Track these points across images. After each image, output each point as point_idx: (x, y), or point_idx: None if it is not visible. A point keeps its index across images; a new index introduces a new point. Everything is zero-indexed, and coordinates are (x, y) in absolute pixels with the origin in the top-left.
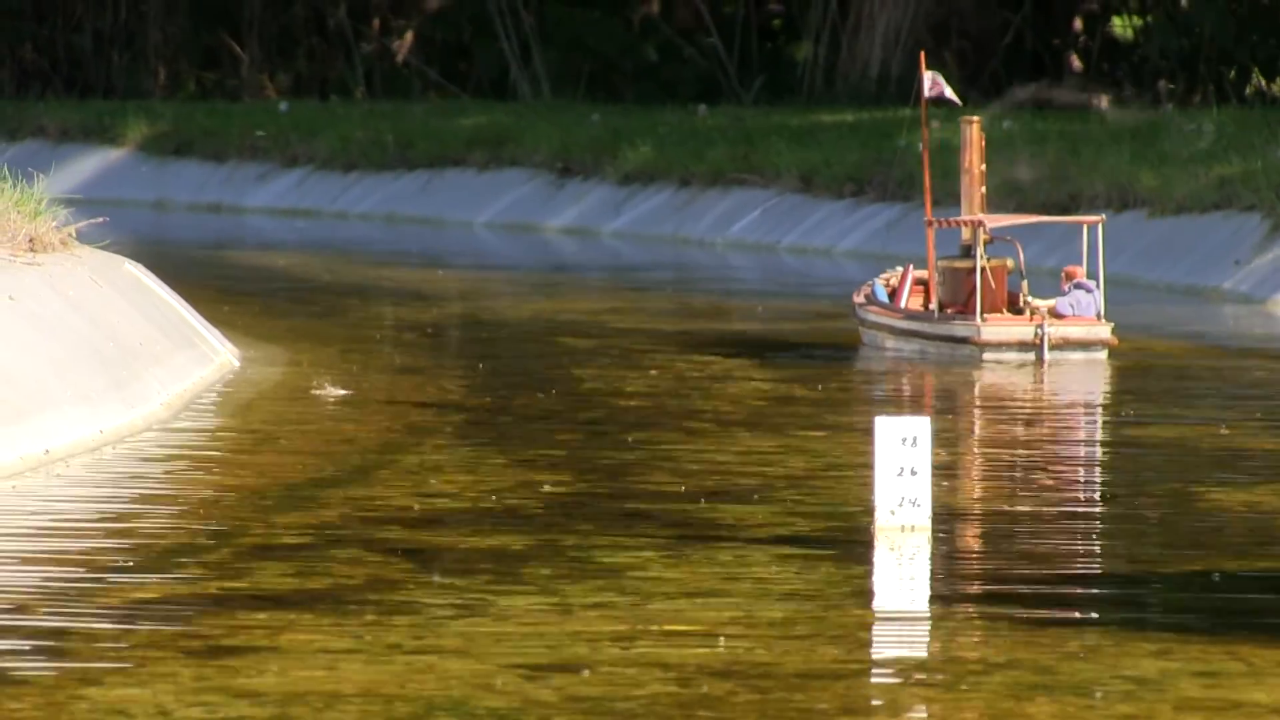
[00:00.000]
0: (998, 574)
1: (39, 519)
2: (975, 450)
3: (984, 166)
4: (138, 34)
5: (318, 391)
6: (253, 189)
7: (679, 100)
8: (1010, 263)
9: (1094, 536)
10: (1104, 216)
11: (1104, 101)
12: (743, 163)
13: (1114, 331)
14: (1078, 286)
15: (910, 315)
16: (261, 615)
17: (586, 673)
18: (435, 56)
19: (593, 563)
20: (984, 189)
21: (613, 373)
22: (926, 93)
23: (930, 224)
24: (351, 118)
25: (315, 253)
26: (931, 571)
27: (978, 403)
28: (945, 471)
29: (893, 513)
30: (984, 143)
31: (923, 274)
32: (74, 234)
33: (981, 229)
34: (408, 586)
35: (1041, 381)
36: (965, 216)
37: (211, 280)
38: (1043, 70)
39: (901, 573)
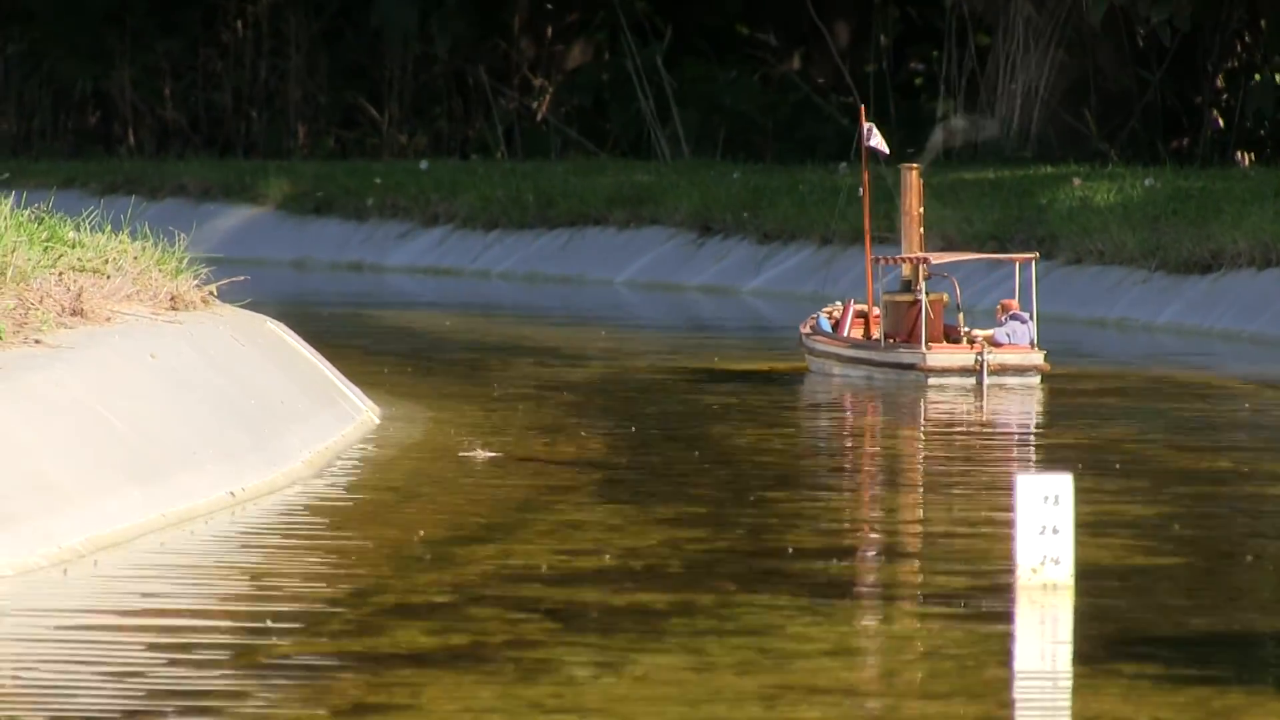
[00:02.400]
0: (1140, 631)
1: (181, 576)
2: (1113, 505)
3: (922, 209)
4: (277, 93)
5: (466, 454)
6: (394, 248)
7: (818, 158)
8: (946, 297)
9: (1237, 591)
10: (1037, 255)
11: (1246, 160)
12: (883, 221)
13: (1046, 359)
14: (1013, 318)
15: (856, 344)
16: (403, 673)
17: None
18: (574, 115)
19: (734, 621)
20: (922, 229)
21: (753, 430)
22: (865, 141)
23: (877, 261)
24: (492, 176)
25: (456, 311)
26: (1074, 629)
27: (1116, 464)
28: (1086, 529)
29: (1034, 570)
30: (922, 187)
31: (863, 307)
32: (215, 292)
33: (922, 265)
34: (548, 645)
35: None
36: (906, 254)
37: (352, 339)
38: (1181, 128)
39: (1043, 631)
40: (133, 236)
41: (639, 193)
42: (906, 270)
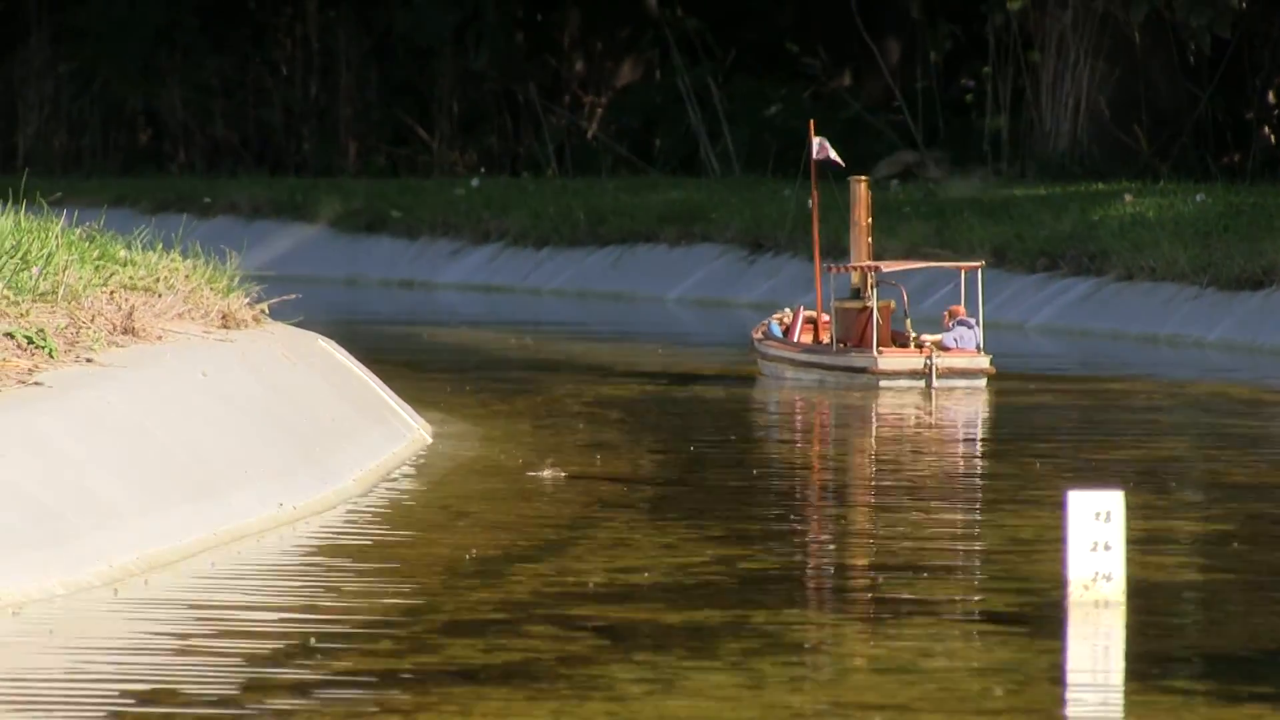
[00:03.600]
0: (1193, 648)
1: (232, 594)
2: (1165, 521)
3: (870, 220)
4: (328, 110)
5: (535, 473)
6: (445, 265)
7: (868, 175)
8: (893, 304)
9: None
10: (983, 262)
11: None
12: (935, 237)
13: (991, 363)
14: (960, 323)
15: (809, 349)
16: (454, 690)
17: None
18: (624, 132)
19: (786, 638)
20: (870, 239)
21: (805, 447)
22: (814, 156)
23: (829, 270)
24: (543, 193)
25: (508, 328)
26: (1125, 646)
27: (1168, 480)
28: (1138, 545)
29: (1086, 588)
30: (870, 199)
31: (812, 313)
32: (266, 310)
33: (871, 273)
34: (600, 662)
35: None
36: (855, 263)
37: (404, 356)
38: (1232, 144)
39: (1095, 647)
40: (184, 255)
41: (690, 210)
42: (855, 278)
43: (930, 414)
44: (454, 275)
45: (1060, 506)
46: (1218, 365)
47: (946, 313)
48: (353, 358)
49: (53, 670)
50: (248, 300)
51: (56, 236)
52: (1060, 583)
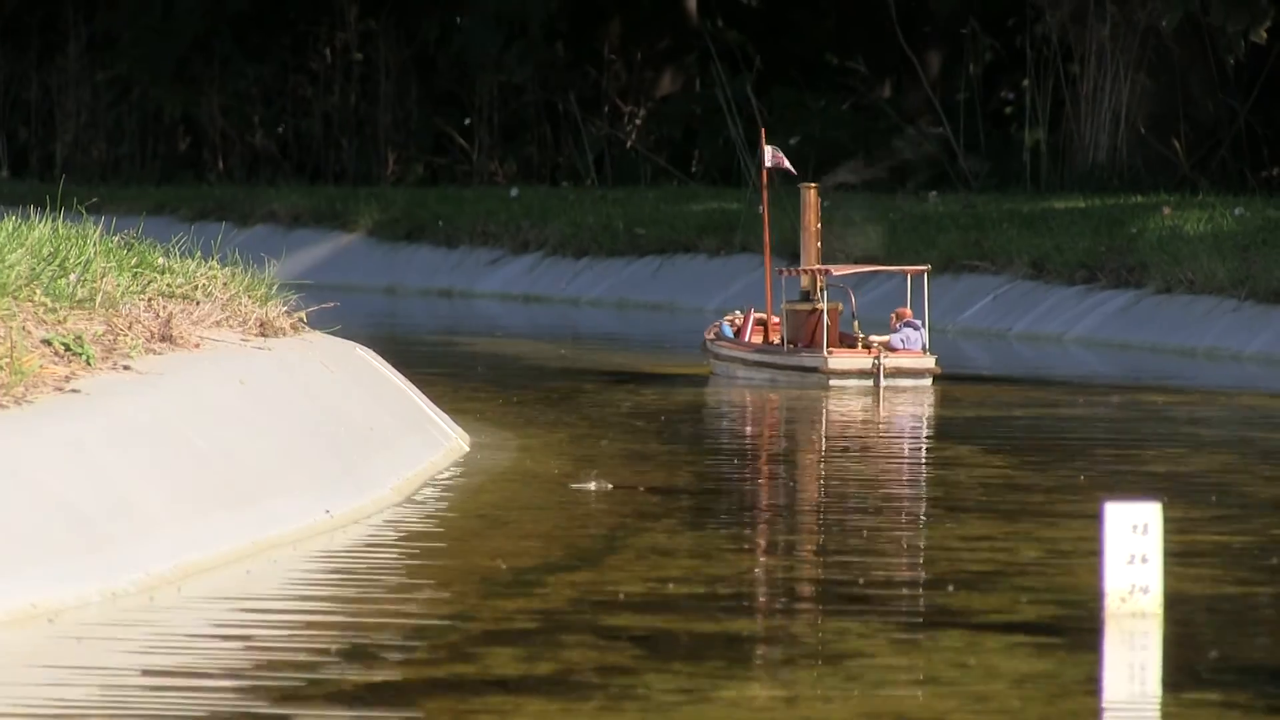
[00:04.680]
0: (1230, 661)
1: (269, 601)
2: (1203, 534)
3: (819, 225)
4: (367, 119)
5: (579, 485)
6: (484, 274)
7: (909, 187)
8: (840, 306)
9: None
10: (928, 266)
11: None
12: (974, 249)
13: (937, 363)
14: (907, 325)
15: (760, 349)
16: (491, 700)
17: None
18: (664, 142)
19: (822, 648)
20: (819, 243)
21: (843, 459)
22: (767, 163)
23: (780, 273)
24: (582, 203)
25: (546, 338)
26: (1163, 658)
27: (1206, 493)
28: (1176, 558)
29: (1123, 600)
30: (819, 204)
31: (763, 315)
32: (304, 319)
33: (821, 276)
34: (636, 672)
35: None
36: (805, 266)
37: (442, 365)
38: (1270, 157)
39: (1132, 659)
40: (222, 263)
41: (729, 220)
42: (805, 281)
43: (961, 427)
44: (493, 284)
45: (1097, 518)
46: (1256, 378)
47: (894, 315)
48: (390, 366)
49: (87, 679)
50: (286, 308)
51: (94, 244)
52: (1097, 595)
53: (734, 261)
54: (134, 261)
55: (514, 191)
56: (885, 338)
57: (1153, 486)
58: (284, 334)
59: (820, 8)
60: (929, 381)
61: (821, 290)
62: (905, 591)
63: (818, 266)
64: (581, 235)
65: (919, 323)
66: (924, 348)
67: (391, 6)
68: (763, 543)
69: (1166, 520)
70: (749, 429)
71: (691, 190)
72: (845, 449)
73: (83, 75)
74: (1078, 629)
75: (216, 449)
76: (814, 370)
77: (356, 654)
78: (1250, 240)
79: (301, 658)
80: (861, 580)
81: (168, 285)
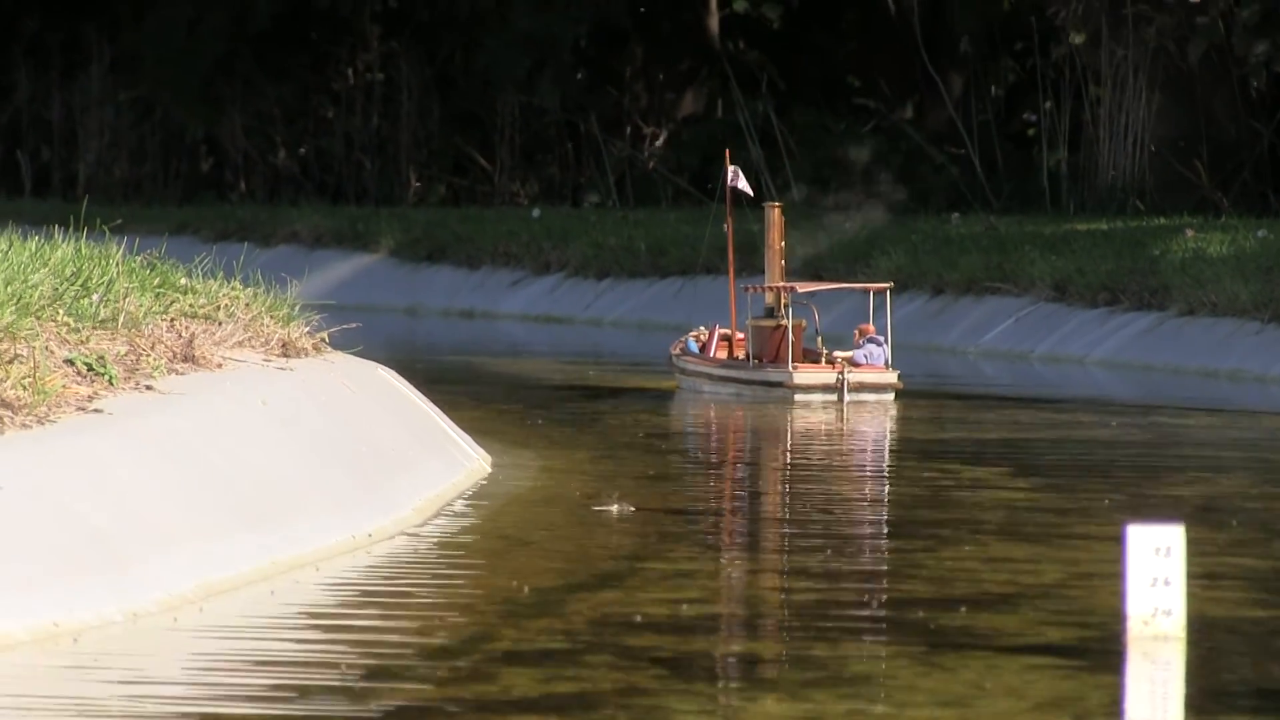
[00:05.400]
0: (1252, 684)
1: (290, 622)
2: (1226, 557)
3: (783, 243)
4: (389, 140)
5: (601, 507)
6: (506, 295)
7: (929, 208)
8: (804, 322)
9: None
10: (891, 284)
11: None
12: (996, 271)
13: (899, 378)
14: (870, 340)
15: (726, 364)
16: None
17: None
18: (685, 164)
19: (844, 670)
20: (784, 261)
21: (864, 481)
22: (729, 183)
23: (746, 290)
24: (604, 224)
25: (568, 359)
26: (1185, 681)
27: (1228, 517)
28: (1198, 581)
29: (1145, 623)
30: (783, 223)
31: (727, 331)
32: (326, 339)
33: (785, 293)
34: (658, 693)
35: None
36: (770, 283)
37: (464, 386)
38: None
39: (1154, 681)
40: (244, 283)
41: (751, 241)
42: (770, 298)
43: (988, 448)
44: (514, 305)
45: (1119, 541)
46: (1279, 400)
47: (857, 331)
48: (412, 387)
49: (108, 699)
50: (308, 329)
51: (117, 264)
52: (1119, 617)
53: (755, 282)
54: (156, 282)
55: (536, 212)
56: (849, 353)
57: (1175, 509)
58: (306, 354)
59: (842, 30)
60: (891, 396)
61: (786, 307)
62: (927, 613)
63: (782, 284)
64: (603, 256)
65: (881, 339)
66: (886, 363)
67: (414, 27)
68: (784, 564)
69: (1189, 543)
70: (765, 449)
71: (712, 211)
72: (867, 470)
73: (105, 95)
74: (1100, 651)
75: (239, 469)
76: (779, 385)
77: (379, 674)
78: (1274, 262)
79: (324, 678)
80: (883, 601)
81: (190, 305)
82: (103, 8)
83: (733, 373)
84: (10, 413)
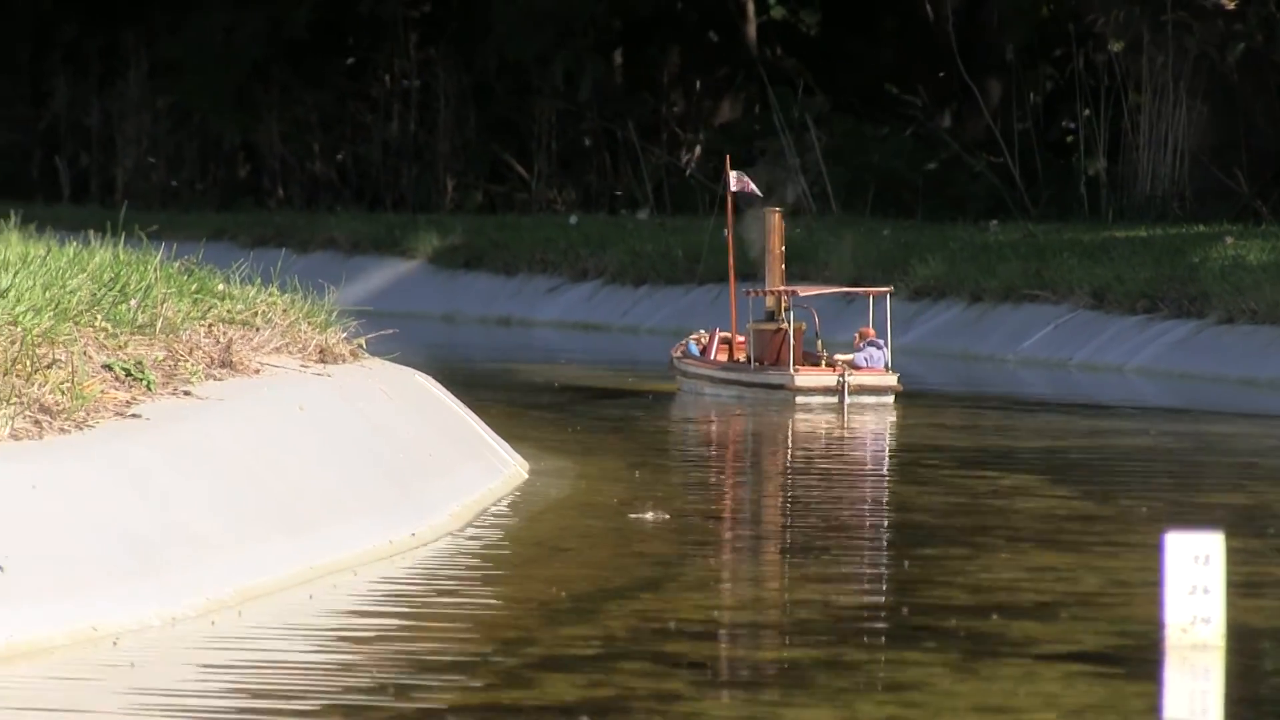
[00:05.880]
0: None
1: (330, 628)
2: (1265, 565)
3: (784, 247)
4: (427, 146)
5: (636, 515)
6: (543, 302)
7: (967, 216)
8: (804, 325)
9: None
10: (891, 288)
11: None
12: (1034, 279)
13: (899, 380)
14: (870, 344)
15: (727, 366)
16: None
17: None
18: (722, 170)
19: (881, 677)
20: (784, 265)
21: (901, 487)
22: (732, 188)
23: (747, 294)
24: (641, 231)
25: (605, 366)
26: (1224, 690)
27: (1267, 525)
28: (1238, 589)
29: (1184, 630)
30: (784, 228)
31: (728, 334)
32: (363, 345)
33: (785, 297)
34: (694, 699)
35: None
36: (771, 287)
37: (501, 392)
38: None
39: (1193, 689)
40: (282, 289)
41: (787, 249)
42: (770, 301)
43: (1026, 455)
44: (552, 312)
45: (1158, 549)
46: None
47: (857, 334)
48: (449, 393)
49: (146, 703)
50: (345, 335)
51: (155, 269)
52: (1158, 625)
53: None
54: (194, 287)
55: (573, 219)
56: (849, 356)
57: (1215, 517)
58: (343, 360)
59: (879, 36)
60: (891, 399)
61: (786, 310)
62: (965, 620)
63: (783, 288)
64: (640, 263)
65: (881, 342)
66: (886, 366)
67: (450, 34)
68: (821, 570)
69: (1228, 551)
70: (800, 453)
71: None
72: (901, 476)
73: (143, 101)
74: (1138, 660)
75: (276, 474)
76: (780, 387)
77: (416, 679)
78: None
79: (361, 682)
80: (920, 608)
81: (228, 311)
82: (141, 14)
83: (734, 375)
84: (49, 417)
